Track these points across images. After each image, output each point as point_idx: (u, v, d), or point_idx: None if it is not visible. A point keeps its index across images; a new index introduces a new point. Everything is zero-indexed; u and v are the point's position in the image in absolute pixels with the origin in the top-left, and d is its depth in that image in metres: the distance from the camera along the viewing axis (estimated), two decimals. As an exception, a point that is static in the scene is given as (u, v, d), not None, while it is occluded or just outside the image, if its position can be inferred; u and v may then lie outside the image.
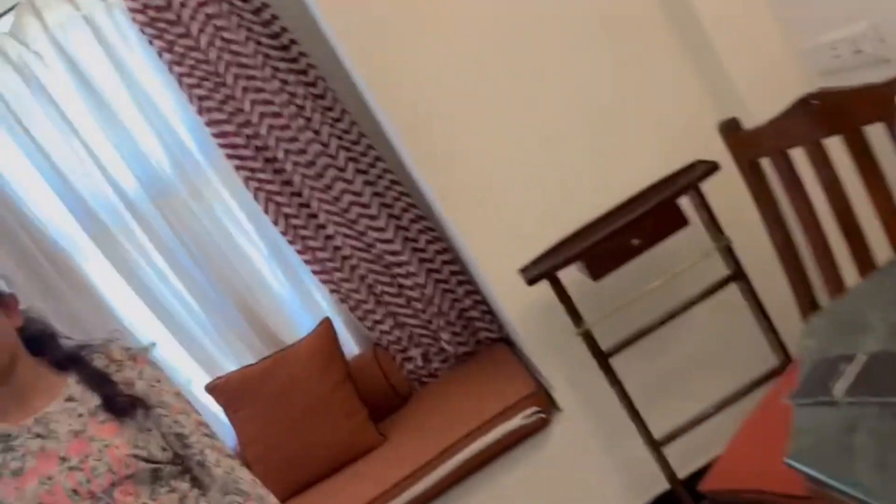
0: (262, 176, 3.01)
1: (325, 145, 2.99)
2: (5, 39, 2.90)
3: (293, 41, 2.95)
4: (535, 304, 2.52)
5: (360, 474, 2.80)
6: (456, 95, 2.47)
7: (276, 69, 2.93)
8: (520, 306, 2.57)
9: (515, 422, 2.65)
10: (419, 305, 3.12)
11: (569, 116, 2.51)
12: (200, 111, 2.95)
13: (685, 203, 2.33)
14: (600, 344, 2.37)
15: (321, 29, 2.77)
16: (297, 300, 3.24)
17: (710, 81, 2.48)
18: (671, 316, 2.39)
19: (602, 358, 2.37)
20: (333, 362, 3.04)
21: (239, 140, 2.98)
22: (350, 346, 3.26)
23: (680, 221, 2.30)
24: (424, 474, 2.62)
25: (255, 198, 3.03)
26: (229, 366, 3.16)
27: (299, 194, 3.06)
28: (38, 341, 1.61)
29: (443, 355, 3.23)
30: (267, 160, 3.02)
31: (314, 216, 3.07)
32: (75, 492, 1.48)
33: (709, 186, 2.32)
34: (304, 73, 2.97)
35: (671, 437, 2.44)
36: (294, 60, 2.96)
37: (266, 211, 3.04)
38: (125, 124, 3.01)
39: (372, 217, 3.04)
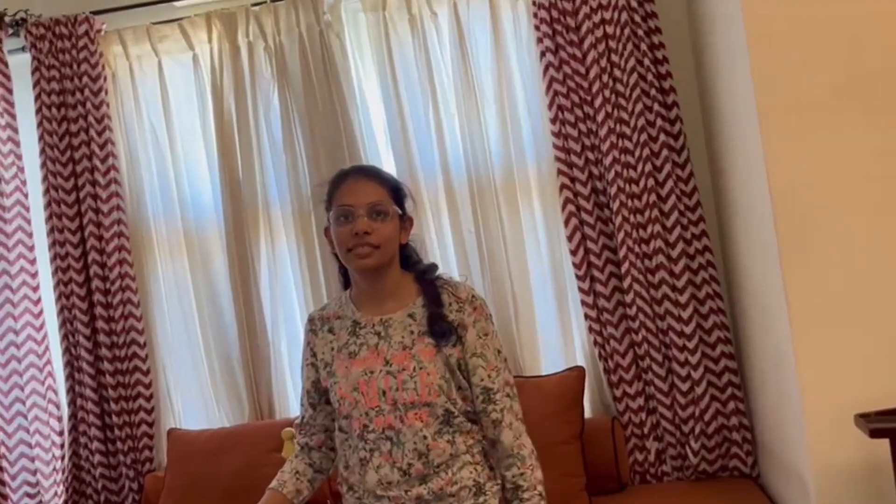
0: (582, 203, 2.67)
1: (662, 199, 2.59)
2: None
3: (669, 73, 2.60)
4: (853, 462, 1.92)
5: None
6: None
7: (647, 108, 2.58)
8: (828, 456, 1.97)
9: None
10: (681, 399, 2.60)
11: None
12: (554, 120, 2.67)
13: None
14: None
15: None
16: (554, 335, 2.82)
17: None
18: None
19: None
20: (572, 415, 2.59)
21: (578, 160, 2.66)
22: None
23: None
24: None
25: (566, 222, 2.68)
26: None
27: (611, 236, 2.68)
28: (410, 259, 1.73)
29: (679, 463, 2.66)
30: (595, 191, 2.67)
31: (615, 263, 2.67)
32: (383, 393, 1.60)
33: None
34: (669, 113, 2.60)
35: None
36: (666, 97, 2.60)
37: (570, 238, 2.68)
38: (479, 103, 2.78)
39: (675, 288, 2.58)
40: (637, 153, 2.58)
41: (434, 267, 1.75)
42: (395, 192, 1.70)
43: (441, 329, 1.61)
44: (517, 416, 1.65)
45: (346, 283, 1.77)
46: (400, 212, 1.68)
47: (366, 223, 1.61)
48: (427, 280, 1.68)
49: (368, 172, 1.73)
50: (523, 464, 1.64)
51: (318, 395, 1.74)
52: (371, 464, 1.61)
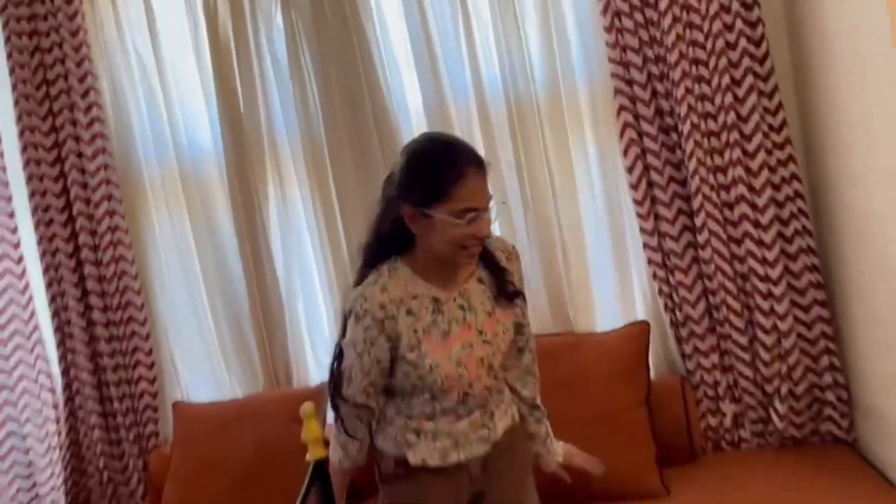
0: (645, 127, 2.25)
1: (743, 119, 2.15)
2: None
3: None
4: None
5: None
6: None
7: (724, 7, 2.13)
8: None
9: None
10: (765, 355, 2.21)
11: None
12: (609, 28, 2.23)
13: None
14: None
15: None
16: (611, 285, 2.43)
17: None
18: None
19: None
20: (637, 378, 2.22)
21: (639, 76, 2.23)
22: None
23: None
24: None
25: (625, 151, 2.27)
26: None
27: (678, 166, 2.26)
28: None
29: (761, 428, 2.29)
30: (660, 112, 2.25)
31: (684, 198, 2.26)
32: (482, 360, 1.62)
33: None
34: (749, 14, 2.15)
35: None
36: (748, 7, 2.14)
37: (630, 170, 2.27)
38: (517, 12, 2.36)
39: (758, 225, 2.17)
40: (712, 64, 2.14)
41: None
42: None
43: (512, 292, 1.66)
44: (534, 342, 1.79)
45: (387, 253, 1.59)
46: None
47: (488, 224, 1.54)
48: (486, 249, 1.63)
49: (482, 164, 1.53)
50: (536, 380, 1.79)
51: (383, 380, 1.62)
52: (468, 417, 1.64)
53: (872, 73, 1.74)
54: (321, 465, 1.57)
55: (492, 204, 1.53)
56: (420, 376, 1.57)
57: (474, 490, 1.68)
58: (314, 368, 2.58)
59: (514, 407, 1.74)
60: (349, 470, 1.67)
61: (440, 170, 1.49)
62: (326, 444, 1.61)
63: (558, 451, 1.79)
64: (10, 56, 2.50)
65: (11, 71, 2.50)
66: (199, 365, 2.63)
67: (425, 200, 1.49)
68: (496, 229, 2.31)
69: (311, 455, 1.56)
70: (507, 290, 1.63)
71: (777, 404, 2.22)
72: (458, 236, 1.50)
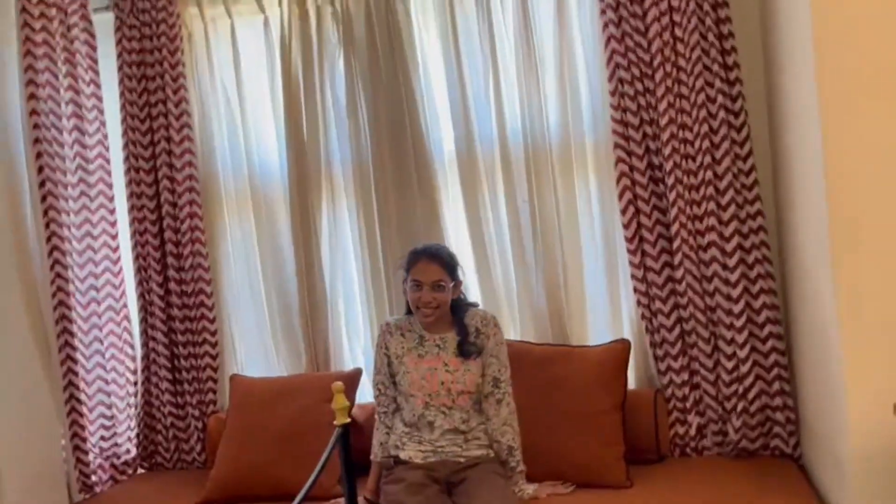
0: (637, 177, 2.66)
1: (718, 177, 2.55)
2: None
3: (734, 48, 2.54)
4: (892, 449, 1.91)
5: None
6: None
7: (708, 83, 2.54)
8: (868, 441, 1.96)
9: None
10: (725, 376, 2.60)
11: None
12: (613, 92, 2.66)
13: None
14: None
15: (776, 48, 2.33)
16: (603, 307, 2.85)
17: None
18: None
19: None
20: (615, 386, 2.62)
21: (635, 134, 2.65)
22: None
23: None
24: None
25: (620, 196, 2.68)
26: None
27: (664, 211, 2.67)
28: (459, 301, 2.53)
29: (720, 438, 2.67)
30: (651, 166, 2.66)
31: (668, 238, 2.67)
32: (443, 383, 2.42)
33: None
34: (731, 90, 2.55)
35: None
36: (729, 72, 2.54)
37: (623, 212, 2.69)
38: (539, 74, 2.80)
39: (725, 267, 2.56)
40: (695, 129, 2.55)
41: (470, 304, 2.56)
42: (451, 267, 2.45)
43: (468, 351, 2.44)
44: (511, 395, 2.44)
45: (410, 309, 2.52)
46: (453, 282, 2.44)
47: (429, 295, 2.40)
48: (458, 317, 2.48)
49: (433, 256, 2.43)
50: (515, 432, 2.42)
51: (390, 385, 2.50)
52: (435, 424, 2.41)
53: (803, 137, 2.13)
54: (345, 430, 2.03)
55: (445, 284, 2.38)
56: (400, 381, 2.45)
57: (449, 470, 2.35)
58: (348, 356, 3.05)
59: (490, 451, 2.41)
60: (375, 462, 2.46)
61: (410, 256, 2.46)
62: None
63: (529, 491, 2.40)
64: (121, 81, 3.04)
65: (122, 94, 3.04)
66: (254, 346, 3.13)
67: (405, 273, 2.45)
68: (509, 259, 2.81)
69: (338, 421, 2.02)
70: (463, 350, 2.43)
71: (733, 419, 2.60)
72: (413, 300, 2.43)
